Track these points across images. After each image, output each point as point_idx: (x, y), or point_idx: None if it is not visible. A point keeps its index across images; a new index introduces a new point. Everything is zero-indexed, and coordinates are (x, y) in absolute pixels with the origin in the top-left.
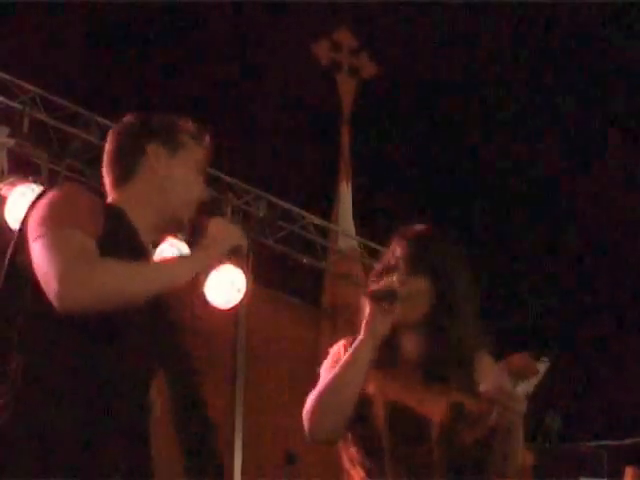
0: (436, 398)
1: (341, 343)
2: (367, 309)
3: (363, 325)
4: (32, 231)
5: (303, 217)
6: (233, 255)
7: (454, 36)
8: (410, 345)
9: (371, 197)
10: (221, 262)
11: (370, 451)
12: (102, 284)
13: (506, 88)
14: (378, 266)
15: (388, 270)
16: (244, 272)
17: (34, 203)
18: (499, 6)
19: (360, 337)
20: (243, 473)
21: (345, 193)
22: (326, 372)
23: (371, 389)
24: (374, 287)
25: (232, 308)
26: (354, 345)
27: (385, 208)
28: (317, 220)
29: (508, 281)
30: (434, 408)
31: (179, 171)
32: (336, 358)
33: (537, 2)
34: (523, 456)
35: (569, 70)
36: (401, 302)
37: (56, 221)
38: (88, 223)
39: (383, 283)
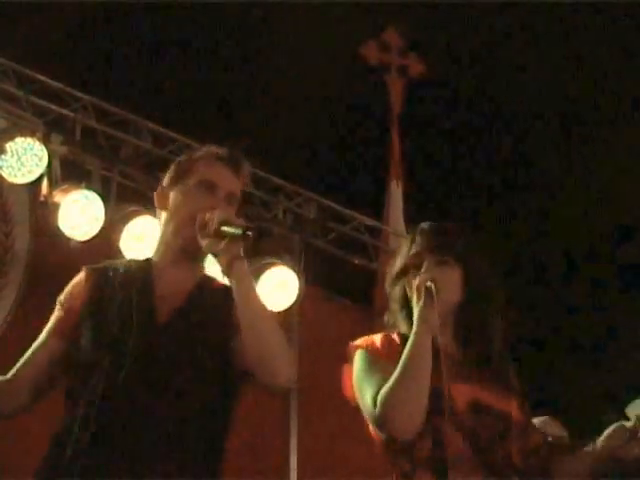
0: (502, 393)
1: (379, 336)
2: (419, 301)
3: (417, 318)
4: None
5: (354, 218)
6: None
7: (502, 33)
8: (445, 339)
9: (422, 196)
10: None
11: (442, 449)
12: None
13: (554, 85)
14: (398, 263)
15: (414, 266)
16: (296, 273)
17: None
18: (548, 5)
19: (416, 329)
20: (299, 476)
21: (396, 193)
22: (385, 362)
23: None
24: (423, 278)
25: (284, 310)
26: (413, 335)
27: (436, 207)
28: (368, 221)
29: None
30: (505, 402)
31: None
32: (387, 350)
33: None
34: None
35: None
36: (439, 294)
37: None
38: (60, 322)
39: (427, 276)
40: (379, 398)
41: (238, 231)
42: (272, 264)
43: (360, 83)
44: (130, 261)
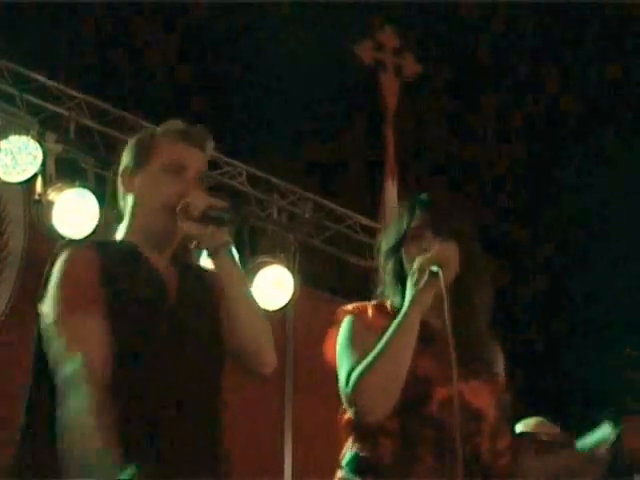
0: (481, 386)
1: (371, 304)
2: (418, 278)
3: (411, 294)
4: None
5: (349, 217)
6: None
7: (501, 33)
8: (437, 320)
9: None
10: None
11: (414, 442)
12: None
13: (552, 85)
14: (393, 236)
15: (414, 239)
16: (291, 272)
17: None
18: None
19: (406, 310)
20: (294, 475)
21: (391, 192)
22: (371, 334)
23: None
24: (425, 257)
25: (279, 309)
26: (403, 316)
27: None
28: (363, 220)
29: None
30: (484, 399)
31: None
32: (377, 319)
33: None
34: None
35: None
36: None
37: (63, 309)
38: (89, 301)
39: (433, 259)
40: (353, 376)
41: (227, 215)
42: (267, 263)
43: (355, 82)
44: (117, 242)
